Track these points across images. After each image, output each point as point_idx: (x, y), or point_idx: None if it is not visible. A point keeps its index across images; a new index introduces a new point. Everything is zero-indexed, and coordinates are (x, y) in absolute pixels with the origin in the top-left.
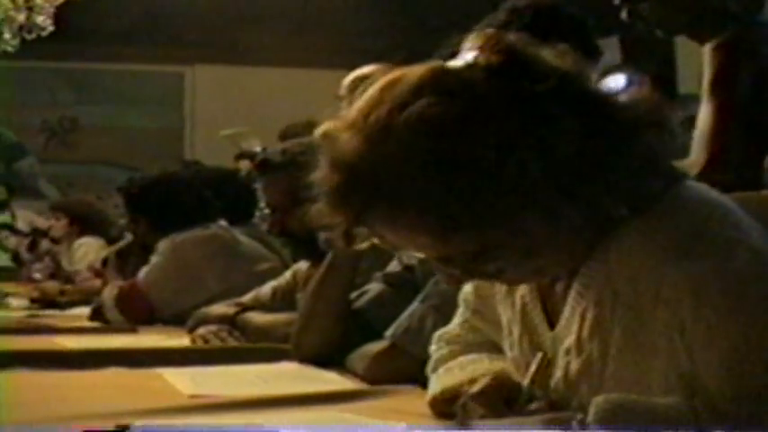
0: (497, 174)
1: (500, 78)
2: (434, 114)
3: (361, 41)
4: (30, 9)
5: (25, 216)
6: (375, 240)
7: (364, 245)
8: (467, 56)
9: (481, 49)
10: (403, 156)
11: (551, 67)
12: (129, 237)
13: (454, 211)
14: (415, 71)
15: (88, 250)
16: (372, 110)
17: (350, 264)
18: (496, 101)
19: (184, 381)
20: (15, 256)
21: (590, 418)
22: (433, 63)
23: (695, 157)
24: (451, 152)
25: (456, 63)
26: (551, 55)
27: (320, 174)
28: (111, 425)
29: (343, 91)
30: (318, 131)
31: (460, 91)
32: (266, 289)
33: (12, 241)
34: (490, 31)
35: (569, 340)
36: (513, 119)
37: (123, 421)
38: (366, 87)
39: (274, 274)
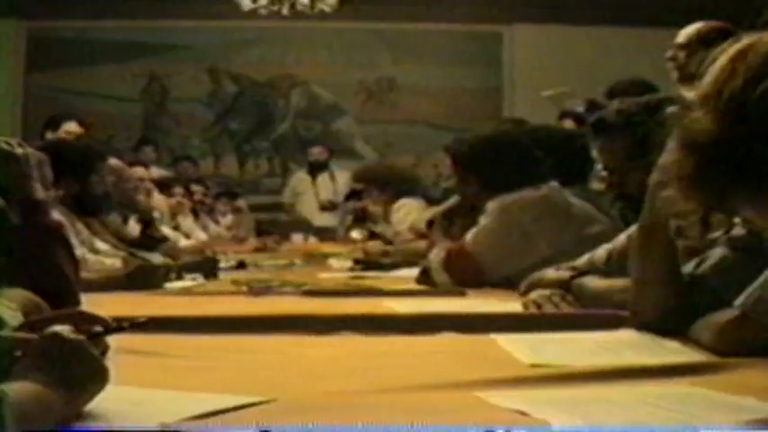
0: None
1: None
2: None
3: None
4: None
5: (343, 176)
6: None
7: (718, 233)
8: None
9: None
10: (761, 135)
11: None
12: (455, 198)
13: None
14: (766, 39)
15: (410, 210)
16: (725, 84)
17: (664, 226)
18: None
19: (523, 349)
20: None
21: None
22: None
23: None
24: None
25: None
26: None
27: (671, 157)
28: (450, 396)
29: (681, 39)
30: (668, 110)
31: None
32: (601, 252)
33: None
34: None
35: None
36: None
37: (467, 391)
38: (715, 57)
39: (605, 237)
